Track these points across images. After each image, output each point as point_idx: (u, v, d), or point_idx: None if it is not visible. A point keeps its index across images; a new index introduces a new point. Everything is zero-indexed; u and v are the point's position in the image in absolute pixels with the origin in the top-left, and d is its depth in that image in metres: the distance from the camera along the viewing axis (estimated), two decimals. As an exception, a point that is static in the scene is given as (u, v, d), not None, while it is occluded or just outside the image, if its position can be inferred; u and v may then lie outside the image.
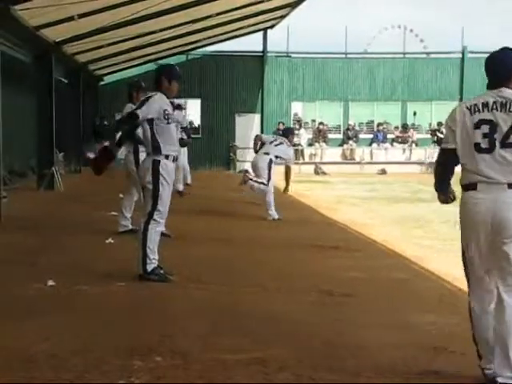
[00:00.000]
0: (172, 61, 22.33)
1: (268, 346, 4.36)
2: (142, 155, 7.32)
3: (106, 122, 22.97)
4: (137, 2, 12.79)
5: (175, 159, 6.36)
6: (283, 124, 23.48)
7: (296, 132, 21.77)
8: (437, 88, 26.63)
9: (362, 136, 26.55)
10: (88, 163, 6.64)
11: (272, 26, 24.49)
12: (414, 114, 26.41)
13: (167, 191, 6.18)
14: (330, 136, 26.54)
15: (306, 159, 25.38)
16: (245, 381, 3.78)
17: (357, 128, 26.73)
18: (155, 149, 6.15)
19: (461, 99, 23.15)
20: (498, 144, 3.63)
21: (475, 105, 3.71)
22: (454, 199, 3.92)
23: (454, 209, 3.90)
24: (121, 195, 9.15)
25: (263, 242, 8.76)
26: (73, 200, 12.72)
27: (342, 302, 5.66)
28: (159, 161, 6.12)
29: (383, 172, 24.44)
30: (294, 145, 17.58)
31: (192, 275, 6.38)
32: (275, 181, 11.17)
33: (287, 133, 11.81)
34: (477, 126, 3.67)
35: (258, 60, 25.85)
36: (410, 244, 8.97)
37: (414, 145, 26.30)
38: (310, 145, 26.11)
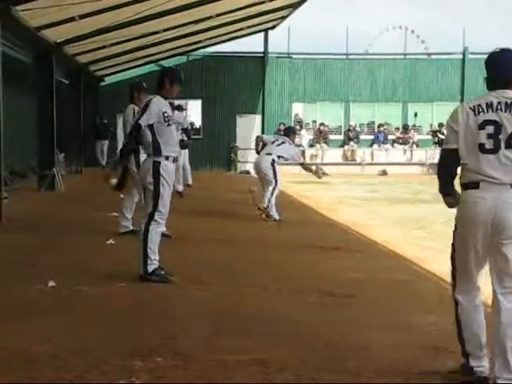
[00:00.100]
0: (173, 62, 22.42)
1: (269, 346, 4.36)
2: (143, 156, 7.32)
3: (105, 121, 23.09)
4: (140, 2, 12.80)
5: (175, 160, 6.41)
6: (284, 125, 23.45)
7: (297, 133, 21.76)
8: (438, 89, 26.63)
9: (362, 137, 26.56)
10: (112, 187, 6.88)
11: (273, 27, 24.48)
12: (415, 114, 26.40)
13: (168, 192, 6.21)
14: (331, 137, 26.56)
15: (307, 160, 25.35)
16: (245, 381, 3.78)
17: (358, 129, 26.73)
18: (156, 150, 6.18)
19: (462, 100, 23.13)
20: (502, 144, 3.63)
21: (479, 105, 3.70)
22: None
23: (455, 210, 3.89)
24: (121, 196, 9.15)
25: (264, 242, 8.76)
26: (73, 201, 12.73)
27: (343, 302, 5.66)
28: (159, 162, 6.15)
29: (384, 173, 24.45)
30: (295, 145, 17.56)
31: (193, 276, 6.38)
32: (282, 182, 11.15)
33: (289, 132, 11.81)
34: (481, 126, 3.67)
35: (259, 61, 25.85)
36: (411, 245, 8.97)
37: (414, 146, 26.30)
38: (311, 146, 26.11)
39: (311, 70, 26.36)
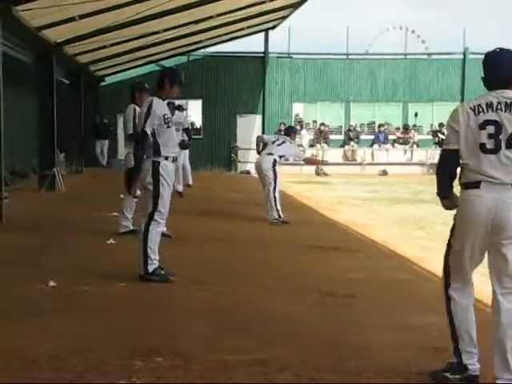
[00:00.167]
0: (173, 62, 22.43)
1: (269, 346, 4.36)
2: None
3: (105, 121, 23.11)
4: (140, 2, 12.79)
5: (175, 160, 6.42)
6: (284, 125, 23.44)
7: (298, 132, 21.75)
8: (438, 89, 26.62)
9: (363, 137, 26.54)
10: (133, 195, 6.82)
11: (273, 27, 24.48)
12: (416, 114, 26.39)
13: (167, 192, 6.21)
14: (332, 137, 26.55)
15: (307, 160, 25.37)
16: (245, 381, 3.78)
17: (358, 129, 26.72)
18: (155, 151, 6.19)
19: (462, 100, 23.13)
20: (503, 144, 3.63)
21: (479, 105, 3.70)
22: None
23: (455, 211, 3.89)
24: (122, 196, 9.15)
25: (264, 242, 8.76)
26: (74, 200, 12.73)
27: (343, 302, 5.66)
28: (159, 162, 6.16)
29: (384, 173, 24.44)
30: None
31: (193, 276, 6.39)
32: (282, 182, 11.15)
33: (289, 131, 11.79)
34: (482, 126, 3.66)
35: (260, 61, 25.84)
36: (411, 245, 8.97)
37: (415, 146, 26.30)
38: (312, 146, 26.10)
39: (311, 70, 26.35)
